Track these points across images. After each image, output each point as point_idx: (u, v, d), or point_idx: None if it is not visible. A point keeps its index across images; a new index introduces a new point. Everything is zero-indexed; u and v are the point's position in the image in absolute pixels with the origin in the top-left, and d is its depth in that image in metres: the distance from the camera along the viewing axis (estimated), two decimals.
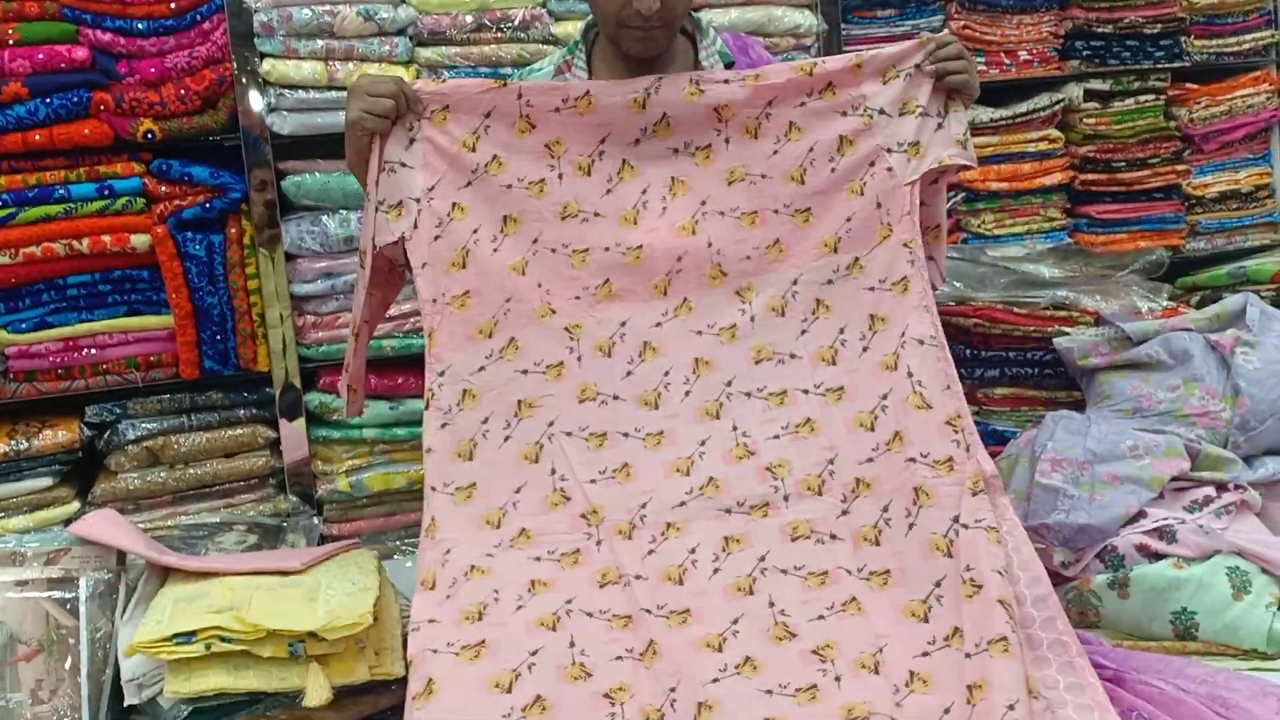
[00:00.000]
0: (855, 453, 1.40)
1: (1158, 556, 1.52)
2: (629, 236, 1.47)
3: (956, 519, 1.31)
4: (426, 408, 1.44)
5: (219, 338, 1.93)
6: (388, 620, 1.46)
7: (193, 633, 1.29)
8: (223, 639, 1.29)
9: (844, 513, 1.38)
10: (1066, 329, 1.90)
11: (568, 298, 1.46)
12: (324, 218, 1.95)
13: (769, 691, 1.31)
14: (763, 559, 1.35)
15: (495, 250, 1.46)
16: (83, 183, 1.85)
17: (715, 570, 1.35)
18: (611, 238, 1.47)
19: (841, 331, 1.46)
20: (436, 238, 1.44)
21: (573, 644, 1.30)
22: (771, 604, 1.33)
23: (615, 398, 1.46)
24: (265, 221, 1.92)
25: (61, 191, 1.84)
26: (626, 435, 1.45)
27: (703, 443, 1.45)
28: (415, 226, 1.43)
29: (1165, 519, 1.55)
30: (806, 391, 1.45)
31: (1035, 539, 1.58)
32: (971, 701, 1.26)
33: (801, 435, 1.43)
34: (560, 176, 1.48)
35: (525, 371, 1.44)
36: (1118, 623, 1.54)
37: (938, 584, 1.31)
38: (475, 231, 1.45)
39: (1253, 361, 1.70)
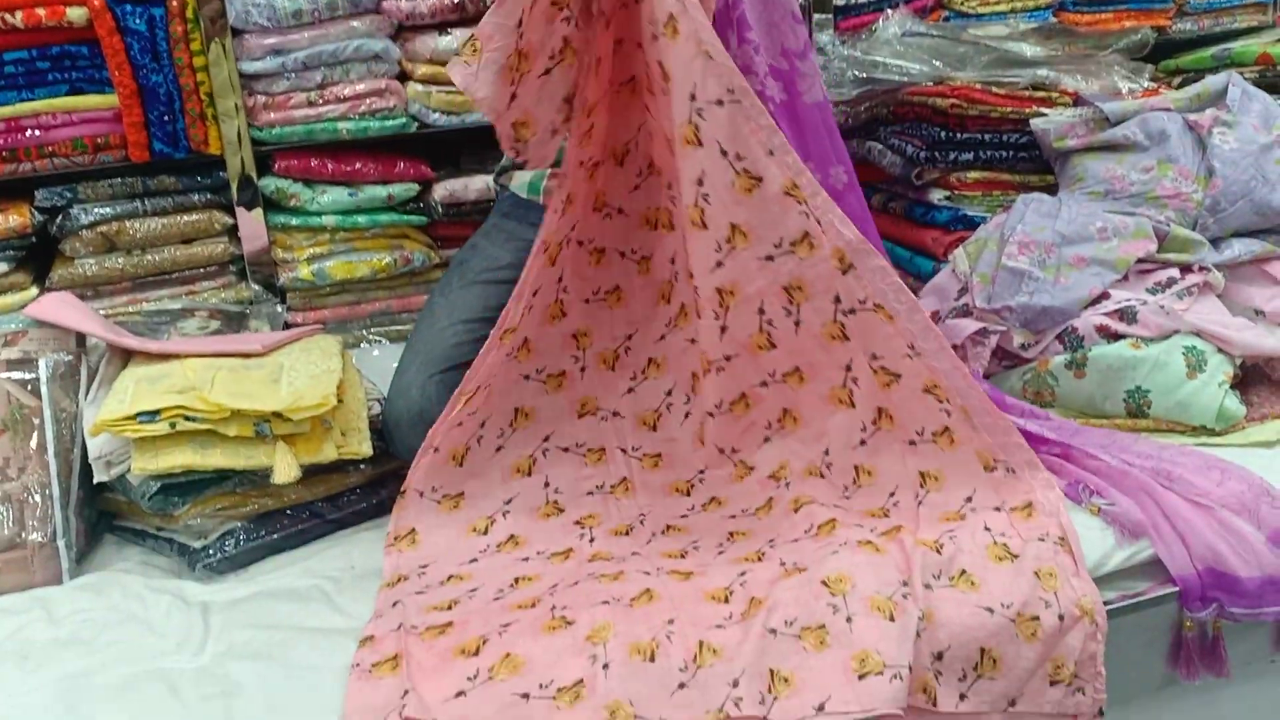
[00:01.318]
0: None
1: (1117, 337, 1.53)
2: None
3: (837, 300, 1.28)
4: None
5: (167, 119, 1.86)
6: (352, 402, 1.47)
7: (156, 412, 1.29)
8: (187, 418, 1.29)
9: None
10: (1045, 110, 1.85)
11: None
12: None
13: (732, 517, 1.36)
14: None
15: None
16: None
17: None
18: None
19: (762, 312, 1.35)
20: None
21: (547, 483, 1.33)
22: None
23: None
24: None
25: None
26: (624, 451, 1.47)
27: (701, 472, 1.45)
28: None
29: (1127, 300, 1.55)
30: (765, 384, 1.39)
31: (997, 321, 1.60)
32: (926, 488, 1.30)
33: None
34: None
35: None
36: (1071, 402, 1.57)
37: (847, 367, 1.31)
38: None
39: (1229, 142, 1.67)
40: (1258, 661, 1.35)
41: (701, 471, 1.44)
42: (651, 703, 1.06)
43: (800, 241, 1.26)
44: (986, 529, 1.24)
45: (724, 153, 1.23)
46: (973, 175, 1.87)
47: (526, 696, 1.05)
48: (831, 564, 1.18)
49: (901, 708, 1.06)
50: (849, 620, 1.11)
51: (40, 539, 1.33)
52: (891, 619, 1.11)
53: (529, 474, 1.43)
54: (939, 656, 1.12)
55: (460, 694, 1.06)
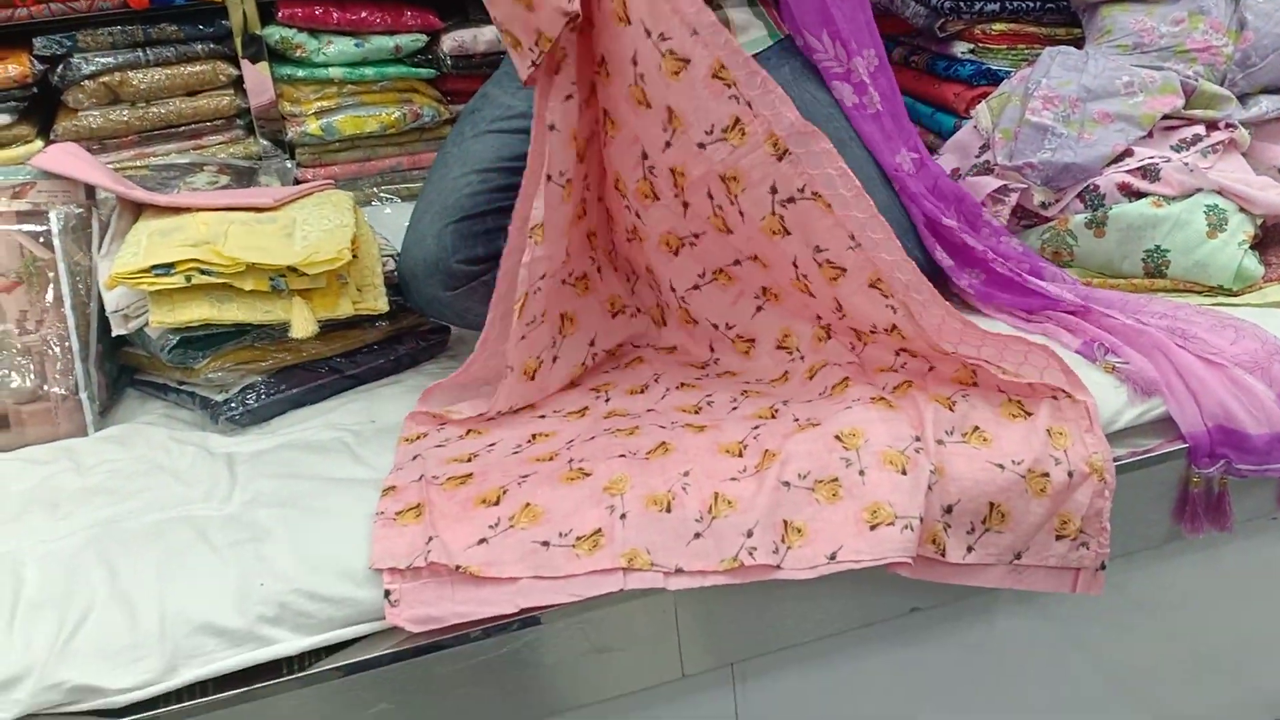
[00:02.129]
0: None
1: (1139, 195, 1.51)
2: None
3: (774, 190, 1.21)
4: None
5: None
6: (367, 258, 1.47)
7: (170, 265, 1.28)
8: (202, 272, 1.29)
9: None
10: None
11: None
12: None
13: (746, 382, 1.37)
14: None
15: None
16: None
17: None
18: None
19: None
20: None
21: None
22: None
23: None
24: None
25: None
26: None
27: (712, 346, 1.43)
28: None
29: (1151, 157, 1.53)
30: (738, 263, 1.35)
31: (1017, 178, 1.58)
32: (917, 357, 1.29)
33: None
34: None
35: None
36: (1089, 261, 1.56)
37: (794, 263, 1.27)
38: None
39: None
40: (1260, 518, 1.37)
41: (713, 351, 1.44)
42: (668, 551, 1.09)
43: (731, 128, 1.19)
44: (1000, 390, 1.24)
45: (648, 32, 1.16)
46: (998, 27, 1.81)
47: (546, 544, 1.08)
48: (844, 419, 1.19)
49: (911, 557, 1.09)
50: (861, 473, 1.12)
51: (62, 391, 1.34)
52: (904, 472, 1.12)
53: (578, 383, 1.43)
54: (949, 510, 1.14)
55: (482, 541, 1.09)
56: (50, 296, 1.35)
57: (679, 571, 1.08)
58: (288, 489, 1.20)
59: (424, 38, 1.99)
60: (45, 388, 1.34)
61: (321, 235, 1.39)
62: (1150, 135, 1.56)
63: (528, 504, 1.12)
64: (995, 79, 1.76)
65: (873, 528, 1.09)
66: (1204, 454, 1.27)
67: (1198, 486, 1.29)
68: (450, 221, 1.42)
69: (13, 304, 1.34)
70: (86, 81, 1.82)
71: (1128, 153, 1.55)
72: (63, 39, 1.81)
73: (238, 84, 1.94)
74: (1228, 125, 1.57)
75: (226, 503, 1.19)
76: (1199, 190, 1.50)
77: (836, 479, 1.12)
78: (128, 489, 1.22)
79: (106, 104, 1.86)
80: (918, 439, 1.16)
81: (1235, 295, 1.48)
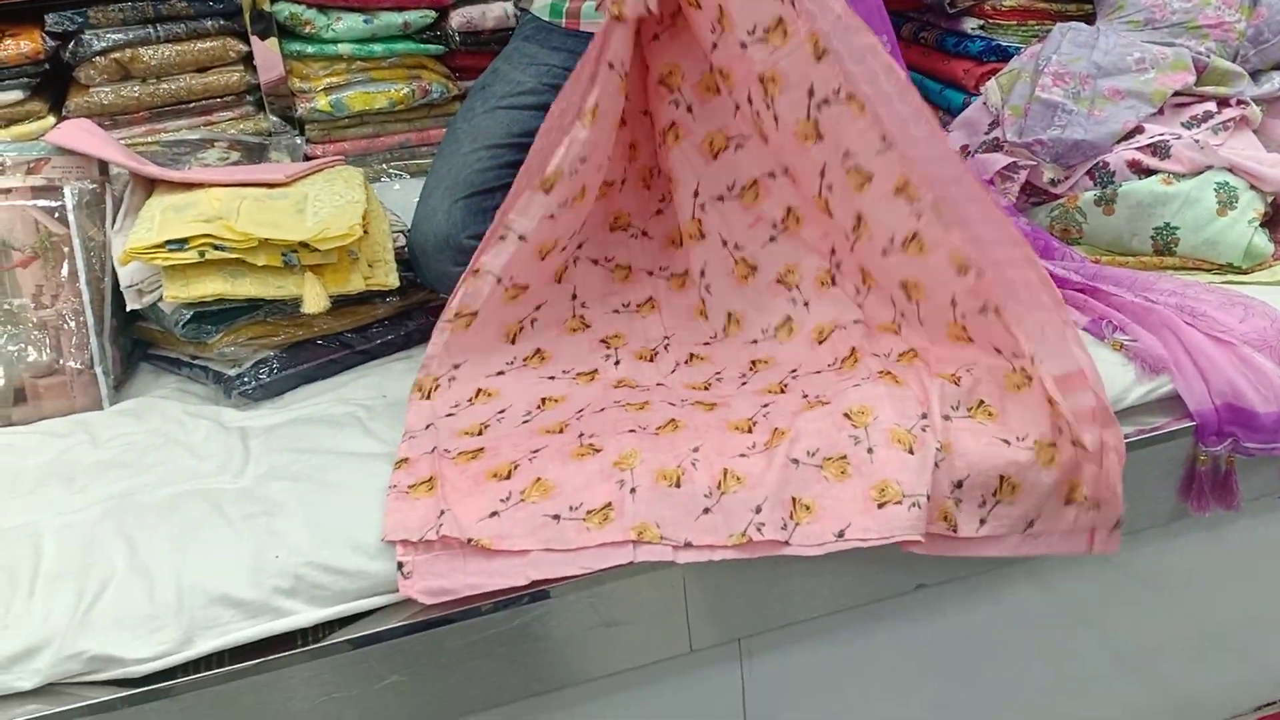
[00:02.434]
0: None
1: (1149, 172, 1.51)
2: None
3: (811, 92, 1.21)
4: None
5: None
6: (378, 234, 1.47)
7: (184, 240, 1.29)
8: (215, 247, 1.30)
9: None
10: None
11: None
12: None
13: (754, 341, 1.36)
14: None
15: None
16: None
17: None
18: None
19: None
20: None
21: (575, 295, 1.29)
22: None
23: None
24: None
25: None
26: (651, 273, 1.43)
27: (703, 272, 1.40)
28: None
29: (1161, 134, 1.52)
30: (773, 175, 1.33)
31: (1027, 155, 1.57)
32: (912, 299, 1.27)
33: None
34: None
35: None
36: (1099, 239, 1.56)
37: (822, 172, 1.26)
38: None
39: None
40: (1266, 497, 1.38)
41: (703, 274, 1.42)
42: (677, 525, 1.10)
43: (774, 28, 1.19)
44: (998, 350, 1.22)
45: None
46: (1008, 3, 1.80)
47: (557, 518, 1.09)
48: (853, 396, 1.19)
49: (920, 535, 1.10)
50: (870, 451, 1.13)
51: (78, 366, 1.36)
52: (911, 451, 1.13)
53: (559, 280, 1.41)
54: (959, 485, 1.14)
55: (494, 514, 1.10)
56: (65, 271, 1.36)
57: (688, 545, 1.09)
58: (301, 463, 1.21)
59: (432, 14, 1.99)
60: (61, 362, 1.35)
61: (333, 211, 1.39)
62: (1161, 112, 1.56)
63: (538, 479, 1.13)
64: (1005, 55, 1.75)
65: (880, 506, 1.10)
66: (1211, 432, 1.28)
67: (1205, 465, 1.30)
68: (460, 197, 1.43)
69: (29, 278, 1.35)
70: (98, 58, 1.83)
71: (1138, 129, 1.54)
72: (74, 15, 1.82)
73: (247, 60, 1.95)
74: (1239, 102, 1.57)
75: (240, 476, 1.20)
76: (1209, 167, 1.50)
77: (845, 457, 1.13)
78: (143, 462, 1.24)
79: (118, 80, 1.87)
80: (924, 416, 1.16)
81: (1245, 273, 1.48)
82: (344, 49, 1.96)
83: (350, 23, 1.93)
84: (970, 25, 1.83)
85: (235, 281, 1.32)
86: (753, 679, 1.29)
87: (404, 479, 1.16)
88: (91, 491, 1.18)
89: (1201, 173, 1.50)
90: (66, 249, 1.37)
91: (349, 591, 1.07)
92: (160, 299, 1.33)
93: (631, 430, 1.20)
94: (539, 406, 1.29)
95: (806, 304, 1.36)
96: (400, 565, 1.07)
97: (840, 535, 1.09)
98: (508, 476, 1.14)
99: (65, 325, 1.35)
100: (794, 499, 1.11)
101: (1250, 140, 1.55)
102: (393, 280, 1.43)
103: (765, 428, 1.19)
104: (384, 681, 1.09)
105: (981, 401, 1.19)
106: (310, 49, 1.96)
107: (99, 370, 1.36)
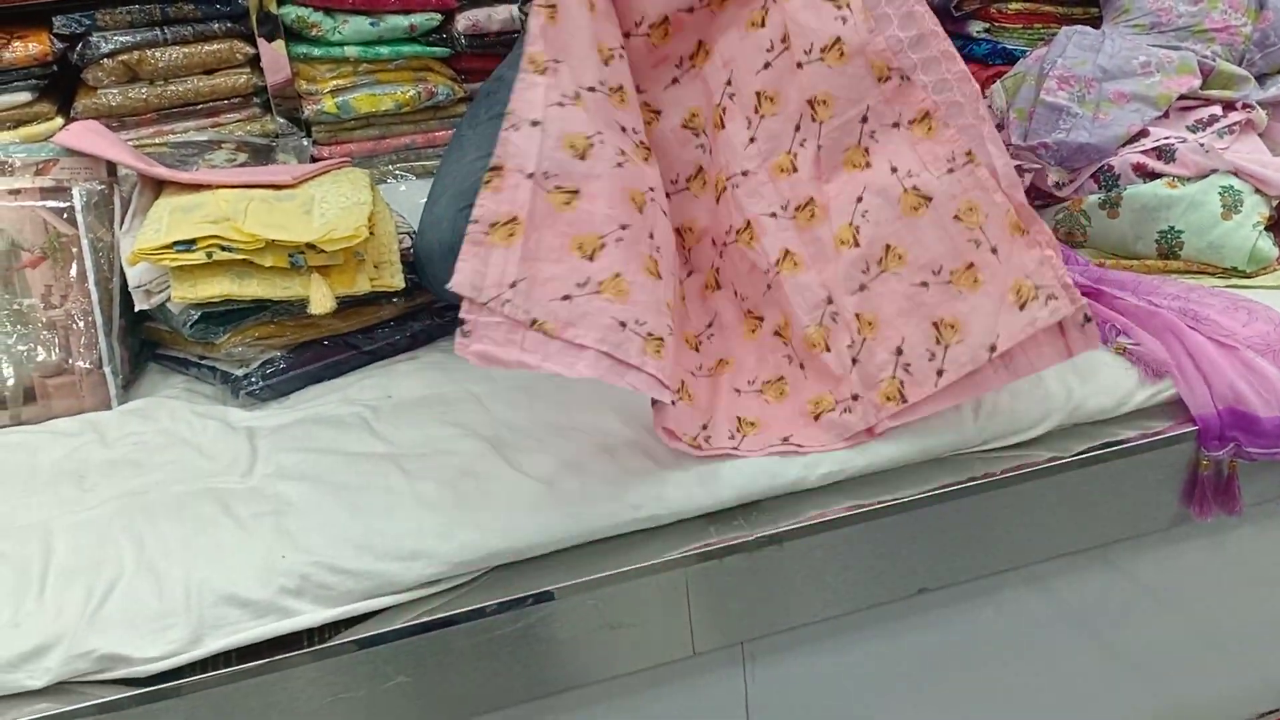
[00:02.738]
0: None
1: (1154, 176, 1.51)
2: None
3: (864, 119, 1.20)
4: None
5: None
6: (384, 235, 1.48)
7: (192, 241, 1.30)
8: (223, 248, 1.31)
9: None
10: None
11: None
12: None
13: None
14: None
15: None
16: None
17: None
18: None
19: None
20: None
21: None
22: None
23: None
24: None
25: None
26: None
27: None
28: None
29: (1166, 138, 1.53)
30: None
31: (1032, 159, 1.58)
32: (817, 118, 1.23)
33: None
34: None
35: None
36: (1103, 242, 1.56)
37: (858, 199, 1.21)
38: None
39: None
40: (1269, 502, 1.37)
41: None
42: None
43: (830, 48, 1.18)
44: (893, 169, 1.17)
45: None
46: (1014, 6, 1.81)
47: (624, 325, 1.07)
48: (775, 309, 1.25)
49: (856, 431, 1.17)
50: (802, 368, 1.23)
51: (87, 365, 1.36)
52: (827, 348, 1.19)
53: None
54: (899, 352, 1.15)
55: (566, 298, 1.06)
56: (74, 272, 1.37)
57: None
58: (308, 462, 1.22)
59: (438, 16, 2.00)
60: (70, 361, 1.36)
61: (339, 212, 1.40)
62: (1166, 115, 1.57)
63: (618, 274, 1.09)
64: (1010, 58, 1.76)
65: (816, 418, 1.20)
66: (1214, 436, 1.28)
67: (1207, 469, 1.30)
68: (466, 205, 1.41)
69: (38, 279, 1.36)
70: (105, 60, 1.84)
71: (1143, 133, 1.55)
72: (82, 18, 1.83)
73: (254, 62, 1.95)
74: (1245, 106, 1.57)
75: (248, 476, 1.21)
76: (1214, 171, 1.50)
77: (782, 378, 1.24)
78: (152, 461, 1.24)
79: (125, 82, 1.88)
80: (830, 301, 1.19)
81: (1249, 277, 1.48)
82: (350, 51, 1.97)
83: (356, 25, 1.94)
84: (976, 28, 1.83)
85: (242, 282, 1.32)
86: (756, 682, 1.29)
87: (489, 207, 1.07)
88: (101, 490, 1.19)
89: (1206, 176, 1.50)
90: (75, 249, 1.38)
91: (355, 592, 1.08)
92: (168, 299, 1.34)
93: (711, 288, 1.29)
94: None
95: (704, 149, 1.31)
96: (462, 321, 1.03)
97: (785, 440, 1.18)
98: (591, 257, 1.09)
99: (74, 325, 1.36)
100: (739, 418, 1.20)
101: (1256, 144, 1.56)
102: (398, 282, 1.44)
103: (711, 353, 1.27)
104: (390, 682, 1.09)
105: (889, 247, 1.16)
106: (317, 51, 1.97)
107: (108, 370, 1.37)
